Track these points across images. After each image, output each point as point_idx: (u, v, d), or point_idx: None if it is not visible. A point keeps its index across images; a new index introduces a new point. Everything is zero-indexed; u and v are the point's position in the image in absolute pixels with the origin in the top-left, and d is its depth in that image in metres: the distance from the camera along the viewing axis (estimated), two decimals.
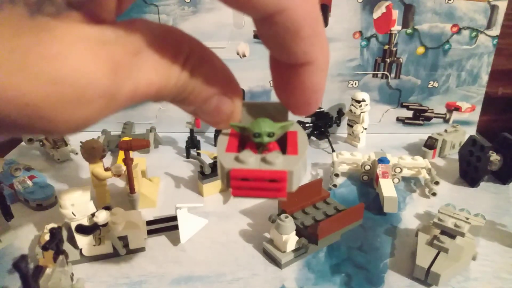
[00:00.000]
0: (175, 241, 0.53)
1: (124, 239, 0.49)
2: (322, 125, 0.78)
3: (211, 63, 0.16)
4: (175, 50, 0.15)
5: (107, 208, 0.49)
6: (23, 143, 0.80)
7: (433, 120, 0.86)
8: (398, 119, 0.87)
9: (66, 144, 0.74)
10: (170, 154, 0.78)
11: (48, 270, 0.41)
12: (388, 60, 0.81)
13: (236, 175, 0.17)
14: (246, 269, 0.49)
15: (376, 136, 0.85)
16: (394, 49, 0.80)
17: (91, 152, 0.56)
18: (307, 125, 0.78)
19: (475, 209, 0.57)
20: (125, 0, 0.15)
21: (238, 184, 0.17)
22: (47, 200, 0.60)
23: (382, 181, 0.62)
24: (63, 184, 0.68)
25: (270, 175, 0.17)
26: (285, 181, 0.17)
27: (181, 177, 0.69)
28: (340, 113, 0.81)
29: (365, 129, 0.80)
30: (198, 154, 0.69)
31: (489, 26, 0.78)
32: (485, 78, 0.82)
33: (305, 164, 0.18)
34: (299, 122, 0.78)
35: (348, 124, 0.83)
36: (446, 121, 0.86)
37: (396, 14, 0.77)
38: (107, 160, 0.74)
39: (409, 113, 0.86)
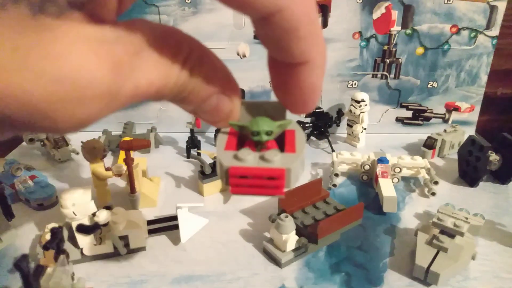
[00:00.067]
0: (176, 240, 0.54)
1: (124, 238, 0.50)
2: (322, 125, 0.78)
3: (210, 62, 0.16)
4: (175, 50, 0.15)
5: (108, 207, 0.49)
6: (24, 143, 0.80)
7: (433, 120, 0.87)
8: (397, 119, 0.87)
9: (67, 144, 0.74)
10: (171, 154, 0.79)
11: (49, 270, 0.41)
12: (388, 61, 0.82)
13: (235, 173, 0.17)
14: (246, 268, 0.50)
15: (376, 136, 0.85)
16: (394, 49, 0.81)
17: (92, 152, 0.56)
18: (307, 125, 0.79)
19: (474, 209, 0.57)
20: (126, 0, 0.15)
21: (237, 182, 0.17)
22: (48, 200, 0.60)
23: (381, 181, 0.62)
24: (64, 183, 0.68)
25: (268, 173, 0.17)
26: (283, 179, 0.17)
27: (181, 177, 0.70)
28: (340, 113, 0.81)
29: (365, 129, 0.81)
30: (199, 154, 0.69)
31: (488, 26, 0.78)
32: (484, 78, 0.83)
33: (303, 162, 0.18)
34: (299, 122, 0.79)
35: (347, 124, 0.83)
36: (445, 121, 0.86)
37: (395, 14, 0.78)
38: (108, 160, 0.74)
39: (409, 113, 0.86)
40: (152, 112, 0.85)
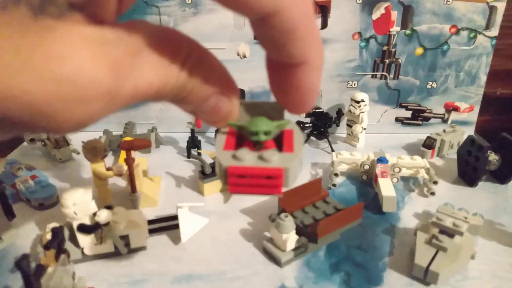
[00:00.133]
0: (176, 240, 0.54)
1: (125, 238, 0.50)
2: (322, 125, 0.79)
3: (209, 63, 0.16)
4: (174, 51, 0.15)
5: (109, 207, 0.49)
6: (25, 143, 0.80)
7: (432, 120, 0.87)
8: (397, 119, 0.87)
9: (68, 144, 0.74)
10: (171, 154, 0.79)
11: (50, 269, 0.41)
12: (387, 61, 0.82)
13: (233, 172, 0.17)
14: (247, 267, 0.50)
15: (375, 136, 0.85)
16: (393, 50, 0.81)
17: (93, 151, 0.57)
18: (306, 125, 0.79)
19: (474, 209, 0.57)
20: (125, 1, 0.15)
21: (236, 181, 0.17)
22: (49, 200, 0.61)
23: (381, 181, 0.62)
24: (65, 183, 0.68)
25: (266, 172, 0.17)
26: (281, 178, 0.17)
27: (182, 177, 0.70)
28: (340, 113, 0.81)
29: (364, 129, 0.81)
30: (199, 154, 0.69)
31: (487, 27, 0.78)
32: (483, 78, 0.83)
33: (301, 161, 0.18)
34: (299, 122, 0.79)
35: (347, 124, 0.83)
36: (445, 121, 0.87)
37: (395, 15, 0.78)
38: (109, 159, 0.75)
39: (408, 113, 0.86)
40: (152, 112, 0.85)
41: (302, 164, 0.19)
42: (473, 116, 0.86)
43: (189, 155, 0.76)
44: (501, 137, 0.66)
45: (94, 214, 0.48)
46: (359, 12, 0.78)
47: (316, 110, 0.79)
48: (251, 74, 0.81)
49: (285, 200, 0.55)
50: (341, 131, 0.86)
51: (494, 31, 0.79)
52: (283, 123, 0.19)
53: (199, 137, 0.78)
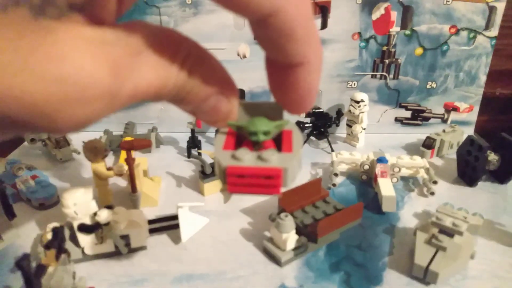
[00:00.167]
0: (176, 239, 0.54)
1: (125, 238, 0.50)
2: (322, 125, 0.79)
3: (208, 63, 0.16)
4: (174, 51, 0.15)
5: (109, 207, 0.50)
6: (25, 143, 0.80)
7: (431, 120, 0.87)
8: (396, 119, 0.87)
9: (69, 144, 0.74)
10: (172, 153, 0.79)
11: (50, 269, 0.41)
12: (387, 61, 0.82)
13: (232, 172, 0.17)
14: (247, 267, 0.50)
15: (375, 136, 0.85)
16: (393, 50, 0.81)
17: (94, 151, 0.57)
18: (306, 125, 0.79)
19: (473, 208, 0.57)
20: (125, 2, 0.15)
21: (234, 181, 0.17)
22: (50, 199, 0.61)
23: (380, 181, 0.62)
24: (65, 183, 0.68)
25: (265, 172, 0.17)
26: (279, 178, 0.17)
27: (182, 177, 0.70)
28: (339, 113, 0.81)
29: (364, 129, 0.81)
30: (199, 153, 0.69)
31: (487, 27, 0.78)
32: (483, 78, 0.83)
33: (300, 161, 0.19)
34: (299, 122, 0.79)
35: (347, 124, 0.83)
36: (444, 121, 0.87)
37: (394, 15, 0.78)
38: (109, 159, 0.75)
39: (408, 114, 0.86)
40: (153, 112, 0.85)
41: (301, 164, 0.19)
42: (473, 116, 0.86)
43: (189, 155, 0.76)
44: (501, 137, 0.66)
45: (95, 214, 0.49)
46: (359, 13, 0.78)
47: (316, 110, 0.79)
48: (251, 74, 0.81)
49: (285, 200, 0.55)
50: (341, 131, 0.86)
51: (494, 31, 0.79)
52: (282, 123, 0.19)
53: (200, 137, 0.78)
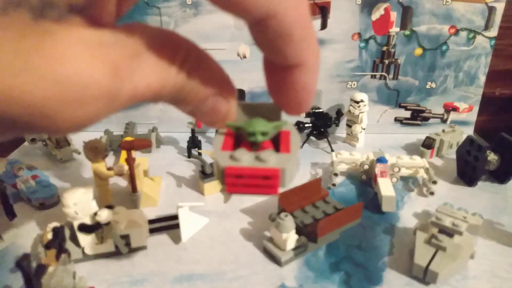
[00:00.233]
0: (177, 239, 0.54)
1: (126, 237, 0.50)
2: (321, 125, 0.79)
3: (207, 64, 0.17)
4: (173, 53, 0.15)
5: (109, 207, 0.50)
6: (26, 143, 0.80)
7: (431, 121, 0.87)
8: (396, 120, 0.87)
9: (69, 144, 0.74)
10: (172, 153, 0.79)
11: (50, 269, 0.41)
12: (387, 61, 0.82)
13: (230, 173, 0.17)
14: (247, 267, 0.50)
15: (375, 136, 0.85)
16: (392, 50, 0.81)
17: (94, 151, 0.57)
18: (306, 125, 0.79)
19: (473, 208, 0.57)
20: (125, 4, 0.15)
21: (233, 181, 0.17)
22: (50, 199, 0.61)
23: (380, 181, 0.62)
24: (65, 183, 0.68)
25: (263, 173, 0.17)
26: (277, 178, 0.17)
27: (182, 177, 0.70)
28: (339, 113, 0.81)
29: (364, 129, 0.81)
30: (199, 153, 0.69)
31: (486, 27, 0.78)
32: (482, 78, 0.83)
33: (298, 162, 0.19)
34: (299, 122, 0.79)
35: (347, 124, 0.83)
36: (444, 121, 0.87)
37: (394, 16, 0.78)
38: (110, 159, 0.75)
39: (407, 114, 0.87)
40: (153, 112, 0.86)
41: (299, 164, 0.19)
42: (472, 116, 0.86)
43: (189, 155, 0.76)
44: (500, 137, 0.66)
45: (95, 214, 0.49)
46: (358, 13, 0.78)
47: (316, 110, 0.79)
48: (251, 74, 0.81)
49: (285, 200, 0.55)
50: (341, 131, 0.86)
51: (493, 32, 0.79)
52: (280, 124, 0.19)
53: (200, 137, 0.78)
